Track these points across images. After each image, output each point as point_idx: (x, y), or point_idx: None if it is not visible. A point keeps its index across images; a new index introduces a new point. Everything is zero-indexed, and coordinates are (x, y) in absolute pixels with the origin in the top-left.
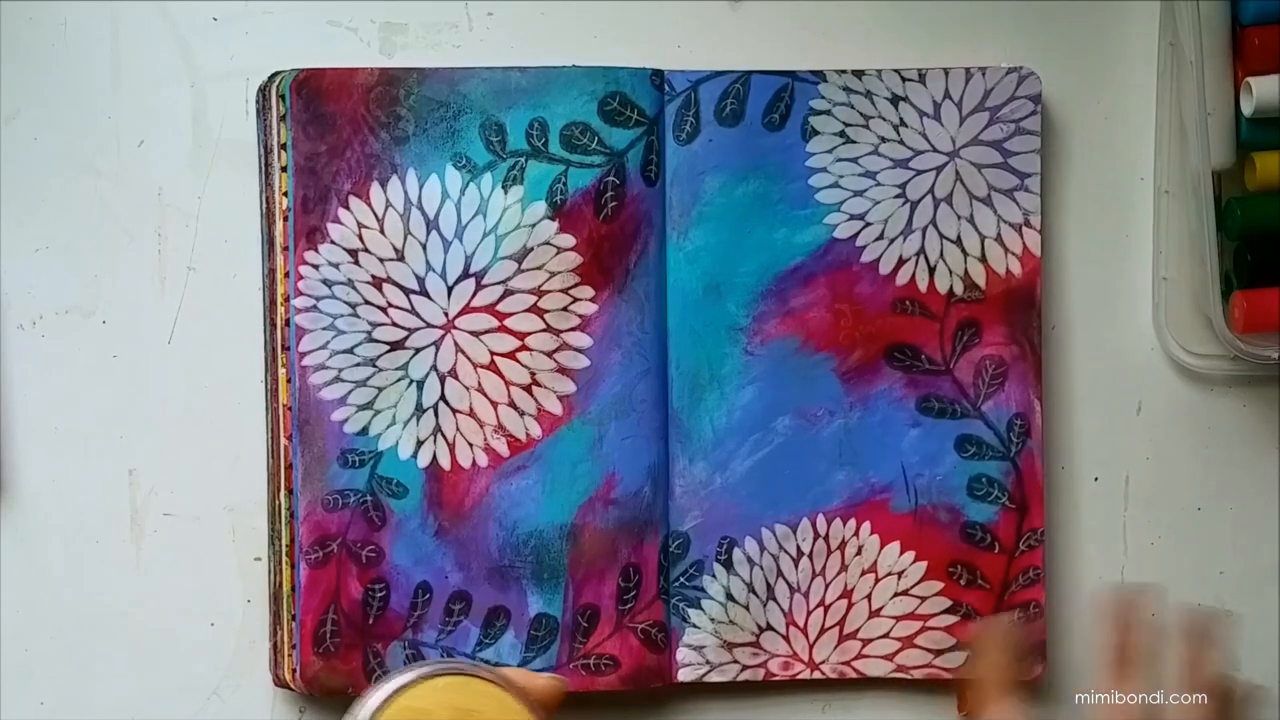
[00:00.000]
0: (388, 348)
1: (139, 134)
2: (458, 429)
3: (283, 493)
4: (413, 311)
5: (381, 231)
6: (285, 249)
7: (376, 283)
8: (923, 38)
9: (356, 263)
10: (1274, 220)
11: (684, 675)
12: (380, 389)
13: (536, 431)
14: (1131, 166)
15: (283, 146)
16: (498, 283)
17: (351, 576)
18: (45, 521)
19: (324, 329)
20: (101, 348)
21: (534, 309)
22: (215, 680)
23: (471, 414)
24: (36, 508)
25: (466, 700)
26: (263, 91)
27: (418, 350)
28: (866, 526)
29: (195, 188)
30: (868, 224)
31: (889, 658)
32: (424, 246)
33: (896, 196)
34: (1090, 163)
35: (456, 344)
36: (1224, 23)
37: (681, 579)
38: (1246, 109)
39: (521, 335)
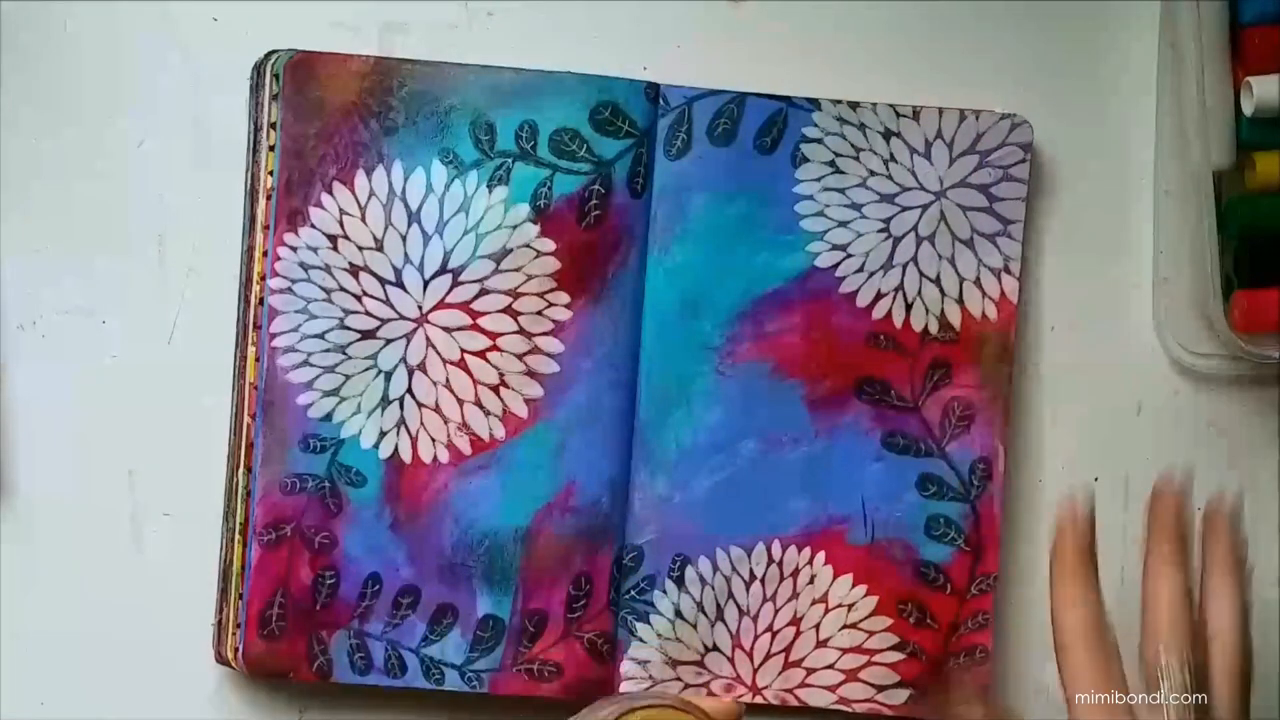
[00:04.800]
0: (359, 336)
1: (139, 134)
2: (422, 423)
3: (241, 470)
4: (387, 302)
5: (363, 220)
6: (266, 228)
7: (353, 270)
8: (918, 45)
9: (335, 249)
10: (1274, 220)
11: (626, 688)
12: (348, 376)
13: (500, 433)
14: (1131, 166)
15: (272, 125)
16: (474, 281)
17: (303, 561)
18: (45, 521)
19: (297, 312)
20: (101, 348)
21: (508, 310)
22: (215, 680)
23: (437, 409)
24: (36, 508)
25: None
26: (257, 69)
27: (389, 341)
28: (821, 556)
29: (195, 188)
30: (849, 255)
31: (832, 689)
32: (404, 238)
33: (880, 231)
34: (1090, 162)
35: (428, 338)
36: (1223, 22)
37: (632, 592)
38: (1247, 109)
39: (494, 335)
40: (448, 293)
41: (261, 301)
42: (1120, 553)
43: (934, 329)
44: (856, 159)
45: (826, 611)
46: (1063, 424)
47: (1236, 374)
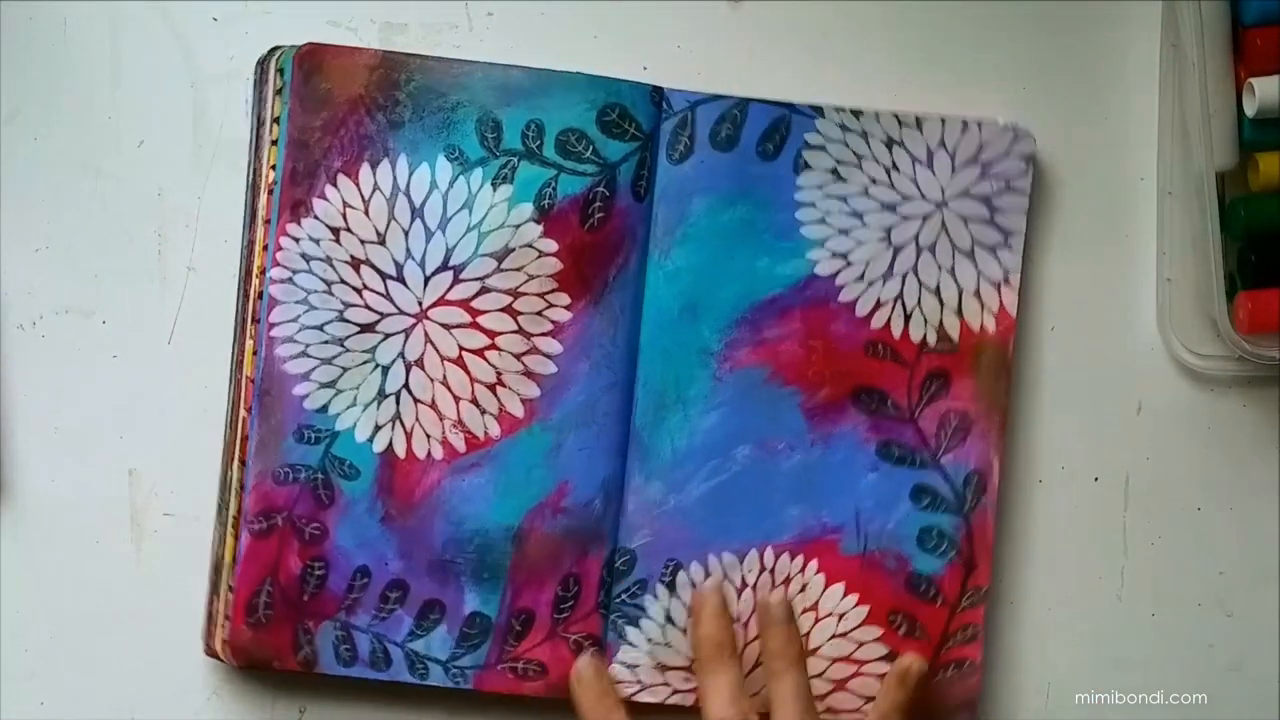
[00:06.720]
0: (358, 329)
1: (139, 134)
2: (417, 419)
3: (235, 463)
4: (387, 296)
5: (366, 213)
6: (267, 221)
7: (355, 263)
8: (919, 44)
9: (337, 241)
10: (1277, 220)
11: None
12: (345, 369)
13: (495, 431)
14: (1134, 167)
15: (275, 120)
16: (475, 279)
17: (292, 551)
18: (45, 521)
19: (297, 302)
20: (101, 348)
21: (508, 309)
22: (215, 680)
23: (433, 406)
24: (36, 508)
25: None
26: (261, 65)
27: (387, 336)
28: (814, 564)
29: (195, 188)
30: (849, 264)
31: (820, 698)
32: (406, 233)
33: (881, 240)
34: (1093, 162)
35: (427, 334)
36: (1225, 24)
37: (624, 596)
38: (1249, 110)
39: (492, 334)
40: (448, 289)
41: (260, 295)
42: (1120, 552)
43: (932, 340)
44: (859, 167)
45: (817, 620)
46: (1063, 424)
47: (1238, 375)
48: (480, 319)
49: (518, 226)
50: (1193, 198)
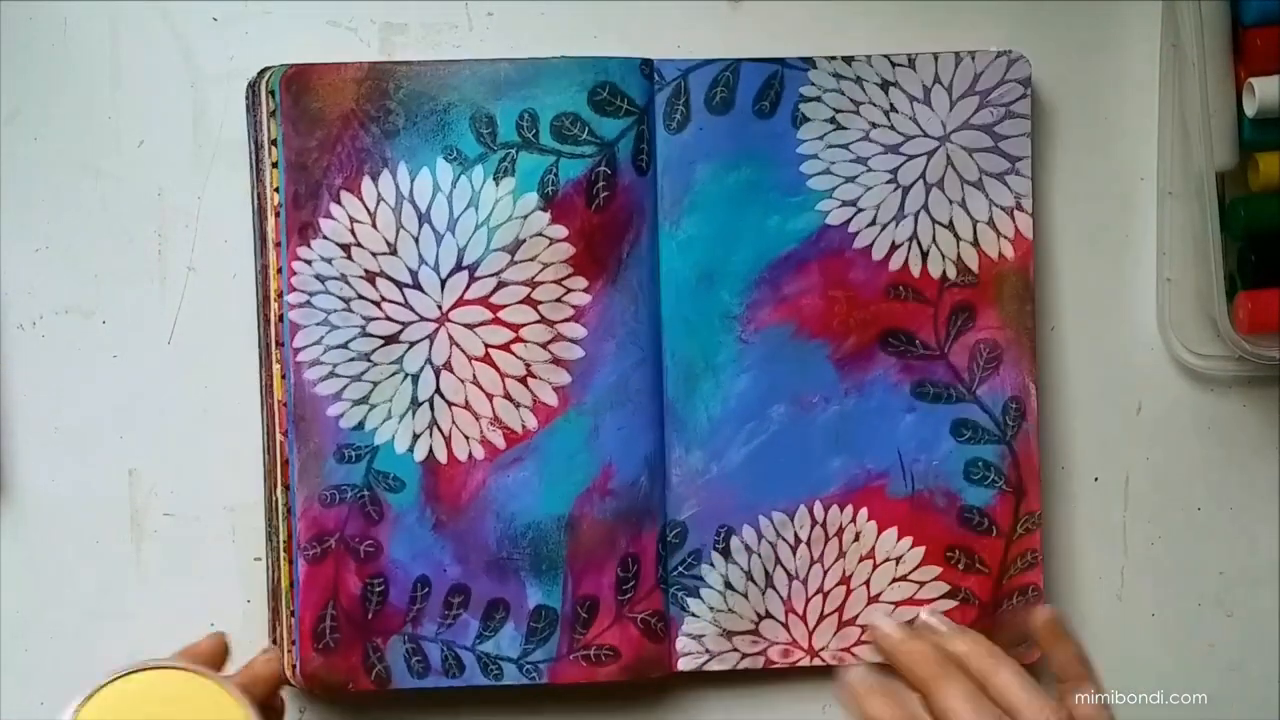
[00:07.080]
0: (382, 342)
1: (139, 134)
2: (453, 422)
3: (279, 489)
4: (406, 305)
5: (374, 226)
6: (277, 245)
7: (370, 277)
8: (919, 39)
9: (349, 257)
10: (1277, 220)
11: (684, 664)
12: (375, 383)
13: (532, 423)
14: (1134, 168)
15: (273, 142)
16: (491, 275)
17: (350, 572)
18: (45, 521)
19: (318, 324)
20: (101, 348)
21: (527, 300)
22: None
23: (467, 407)
24: (36, 508)
25: (165, 695)
26: (252, 87)
27: (412, 344)
28: (864, 513)
29: (195, 188)
30: (860, 210)
31: None
32: (416, 240)
33: (888, 182)
34: (1092, 165)
35: (451, 337)
36: (1225, 24)
37: (680, 568)
38: (1249, 109)
39: (516, 327)
40: (465, 289)
41: (281, 319)
42: (1120, 552)
43: (952, 274)
44: (857, 113)
45: (875, 567)
46: (1062, 424)
47: (1238, 375)
48: (501, 314)
49: (525, 217)
50: (1193, 198)
